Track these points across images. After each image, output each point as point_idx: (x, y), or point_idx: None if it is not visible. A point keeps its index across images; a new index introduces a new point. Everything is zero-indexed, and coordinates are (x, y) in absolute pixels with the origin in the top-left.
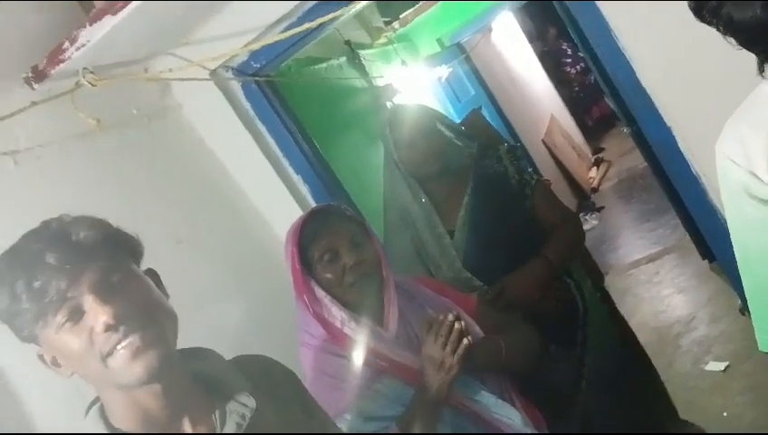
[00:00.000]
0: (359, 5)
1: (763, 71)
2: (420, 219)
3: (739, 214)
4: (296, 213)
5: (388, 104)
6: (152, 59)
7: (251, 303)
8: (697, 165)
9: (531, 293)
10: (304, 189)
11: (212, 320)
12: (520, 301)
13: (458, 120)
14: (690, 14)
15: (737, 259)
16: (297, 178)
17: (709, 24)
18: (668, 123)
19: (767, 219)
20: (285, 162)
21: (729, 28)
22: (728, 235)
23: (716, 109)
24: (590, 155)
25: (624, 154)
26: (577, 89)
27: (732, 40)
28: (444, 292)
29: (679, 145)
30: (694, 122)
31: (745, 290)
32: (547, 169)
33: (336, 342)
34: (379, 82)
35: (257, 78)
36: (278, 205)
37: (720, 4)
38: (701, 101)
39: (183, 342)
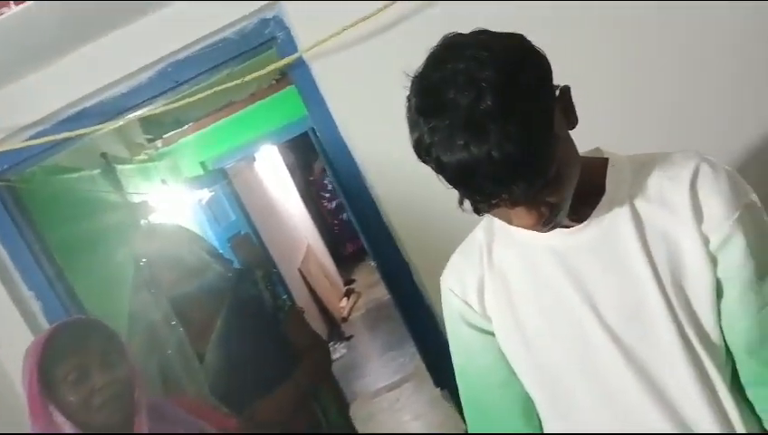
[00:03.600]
0: (119, 122)
1: (462, 204)
2: (169, 343)
3: (458, 338)
4: (25, 333)
5: (143, 222)
6: None
7: None
8: (430, 298)
9: (281, 417)
10: (37, 307)
11: None
12: (271, 425)
13: (222, 243)
14: None
15: (457, 378)
16: (30, 295)
17: (426, 163)
18: (406, 259)
19: (479, 343)
20: (17, 276)
21: (439, 168)
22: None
23: (449, 246)
24: (341, 285)
25: (372, 286)
26: (335, 222)
27: (442, 178)
28: (202, 413)
29: (415, 280)
30: (428, 259)
31: (463, 406)
32: (301, 297)
33: None
34: (136, 199)
35: None
36: (4, 323)
37: (431, 144)
38: (436, 240)
39: None
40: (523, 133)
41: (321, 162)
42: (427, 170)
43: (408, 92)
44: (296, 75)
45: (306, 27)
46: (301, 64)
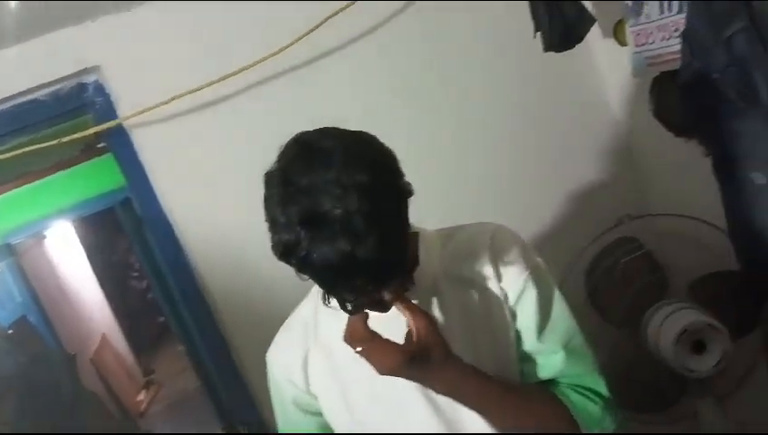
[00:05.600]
0: None
1: (329, 303)
2: None
3: (286, 419)
4: None
5: None
6: None
7: None
8: (249, 377)
9: None
10: None
11: None
12: None
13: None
14: (254, 230)
15: None
16: None
17: (292, 264)
18: (226, 337)
19: (302, 419)
20: None
21: (315, 273)
22: None
23: (272, 323)
24: (140, 377)
25: (177, 375)
26: (141, 303)
27: (304, 276)
28: None
29: (233, 359)
30: (250, 337)
31: None
32: (94, 391)
33: None
34: None
35: None
36: None
37: (310, 252)
38: (258, 317)
39: None
40: (396, 234)
41: (124, 241)
42: (250, 245)
43: (254, 183)
44: (114, 143)
45: (128, 95)
46: (120, 132)
